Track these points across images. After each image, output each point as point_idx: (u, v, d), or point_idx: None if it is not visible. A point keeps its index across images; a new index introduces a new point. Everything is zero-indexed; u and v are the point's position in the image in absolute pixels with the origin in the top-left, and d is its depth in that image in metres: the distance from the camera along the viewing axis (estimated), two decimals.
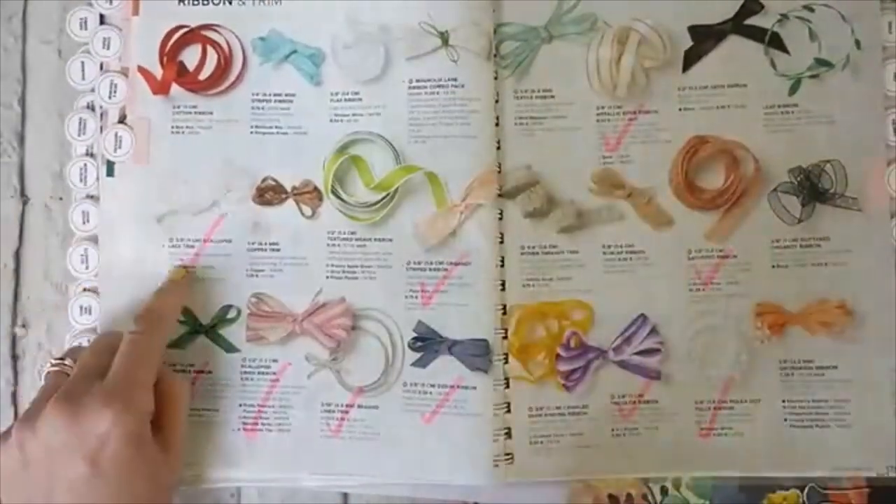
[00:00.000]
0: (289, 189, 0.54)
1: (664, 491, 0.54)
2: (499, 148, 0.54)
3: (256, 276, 0.54)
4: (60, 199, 0.56)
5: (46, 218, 0.56)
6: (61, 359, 0.49)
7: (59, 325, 0.55)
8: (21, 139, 0.57)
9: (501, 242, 0.54)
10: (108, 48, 0.56)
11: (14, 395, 0.56)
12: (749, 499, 0.53)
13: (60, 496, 0.43)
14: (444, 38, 0.54)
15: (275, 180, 0.54)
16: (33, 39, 0.58)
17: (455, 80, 0.54)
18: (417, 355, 0.53)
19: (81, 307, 0.54)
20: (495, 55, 0.54)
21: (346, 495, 0.54)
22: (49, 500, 0.43)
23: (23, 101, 0.57)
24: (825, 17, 0.54)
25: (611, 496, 0.53)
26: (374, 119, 0.54)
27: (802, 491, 0.53)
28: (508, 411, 0.53)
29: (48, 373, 0.49)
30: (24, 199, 0.57)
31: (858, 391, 0.52)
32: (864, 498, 0.53)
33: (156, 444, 0.46)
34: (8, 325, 0.56)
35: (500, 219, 0.54)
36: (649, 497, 0.54)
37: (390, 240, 0.54)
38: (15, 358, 0.56)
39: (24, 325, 0.56)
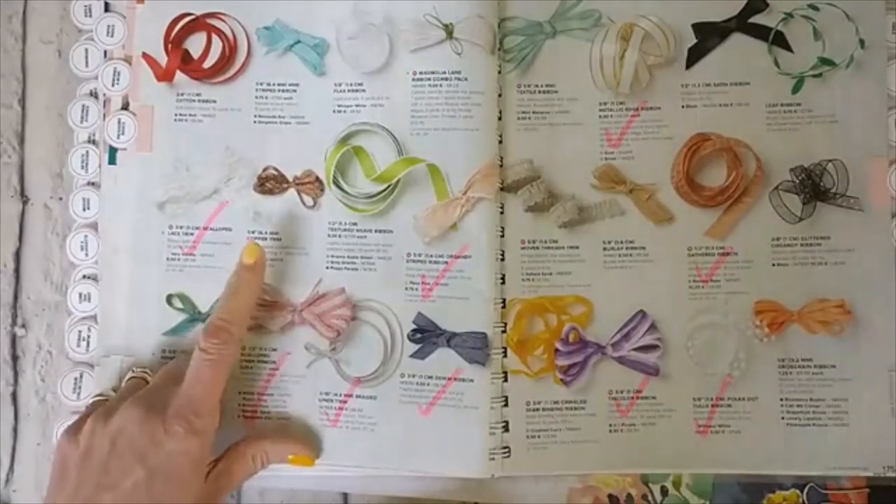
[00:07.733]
0: (290, 179, 0.54)
1: (664, 491, 0.53)
2: (501, 142, 0.54)
3: None
4: (60, 199, 0.56)
5: (46, 218, 0.56)
6: (144, 370, 0.51)
7: (58, 325, 0.55)
8: (21, 139, 0.57)
9: (502, 236, 0.54)
10: (112, 36, 0.56)
11: (14, 395, 0.56)
12: (749, 499, 0.53)
13: (106, 496, 0.43)
14: (449, 30, 0.54)
15: (276, 170, 0.54)
16: (33, 39, 0.58)
17: (458, 72, 0.54)
18: (416, 347, 0.53)
19: (80, 294, 0.54)
20: (499, 49, 0.54)
21: (346, 495, 0.54)
22: (93, 499, 0.43)
23: (23, 101, 0.57)
24: (830, 16, 0.54)
25: (611, 496, 0.53)
26: (377, 110, 0.54)
27: (802, 491, 0.53)
28: (506, 405, 0.52)
29: (129, 378, 0.51)
30: (24, 199, 0.57)
31: (857, 391, 0.52)
32: (864, 498, 0.52)
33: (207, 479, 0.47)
34: (8, 325, 0.56)
35: (501, 212, 0.54)
36: (649, 497, 0.53)
37: (391, 231, 0.53)
38: (15, 358, 0.56)
39: (23, 326, 0.56)
